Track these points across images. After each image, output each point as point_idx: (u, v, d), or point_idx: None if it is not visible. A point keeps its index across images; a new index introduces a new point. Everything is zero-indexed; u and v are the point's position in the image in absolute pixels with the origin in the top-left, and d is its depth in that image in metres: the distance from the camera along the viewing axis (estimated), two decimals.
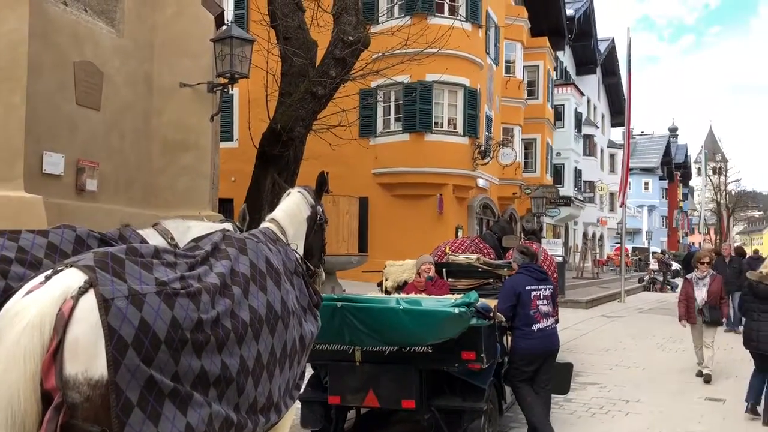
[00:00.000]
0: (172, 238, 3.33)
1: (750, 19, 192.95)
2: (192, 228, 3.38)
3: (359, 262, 14.58)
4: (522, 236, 12.56)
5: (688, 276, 9.26)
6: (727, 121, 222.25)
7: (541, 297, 5.81)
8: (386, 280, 7.52)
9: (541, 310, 5.75)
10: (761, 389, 6.85)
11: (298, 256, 3.36)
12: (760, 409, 6.82)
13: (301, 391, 4.21)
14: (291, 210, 3.57)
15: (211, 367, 2.43)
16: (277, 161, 10.72)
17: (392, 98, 19.24)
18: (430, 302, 5.13)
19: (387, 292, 7.27)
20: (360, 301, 5.09)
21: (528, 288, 5.76)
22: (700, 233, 44.45)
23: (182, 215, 5.57)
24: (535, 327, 5.67)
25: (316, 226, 3.71)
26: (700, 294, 8.71)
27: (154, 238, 3.35)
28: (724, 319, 9.70)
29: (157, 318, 2.24)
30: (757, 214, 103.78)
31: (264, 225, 3.42)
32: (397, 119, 19.32)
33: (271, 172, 10.45)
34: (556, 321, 6.41)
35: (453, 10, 18.75)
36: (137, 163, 8.43)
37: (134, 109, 8.36)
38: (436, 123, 19.11)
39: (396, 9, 17.65)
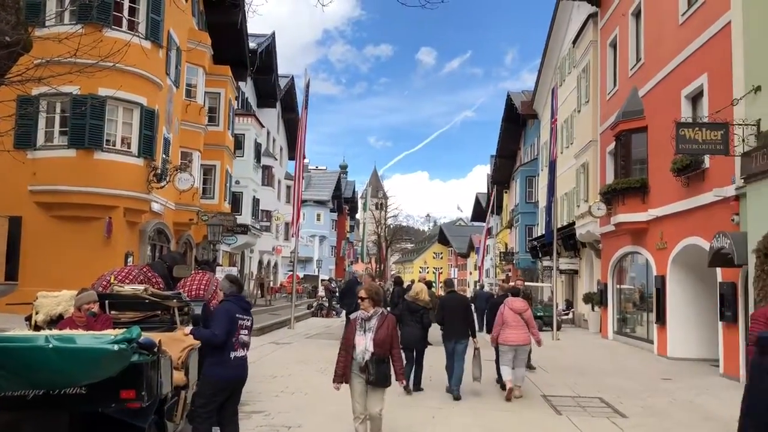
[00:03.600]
0: None
1: (410, 75, 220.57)
2: None
3: (6, 292, 12.82)
4: (195, 266, 12.37)
5: (352, 316, 6.59)
6: (389, 161, 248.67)
7: (244, 327, 5.89)
8: (37, 313, 6.73)
9: (242, 339, 5.83)
10: (411, 371, 10.21)
11: None
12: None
13: None
14: None
15: None
16: None
17: (57, 110, 17.50)
18: (85, 339, 4.71)
19: (37, 328, 6.50)
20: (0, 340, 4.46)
21: (237, 316, 5.80)
22: (363, 262, 48.69)
23: None
24: (232, 355, 5.67)
25: None
26: (362, 341, 6.22)
27: None
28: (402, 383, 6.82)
29: None
30: (409, 246, 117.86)
31: None
32: (62, 133, 17.60)
33: None
34: None
35: (132, 26, 17.88)
36: None
37: None
38: (108, 141, 17.87)
39: (67, 15, 16.18)
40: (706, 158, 14.19)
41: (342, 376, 6.24)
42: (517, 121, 44.64)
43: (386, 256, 76.42)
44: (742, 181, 12.19)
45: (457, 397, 9.93)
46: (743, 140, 11.99)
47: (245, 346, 5.89)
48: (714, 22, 14.18)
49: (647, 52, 18.63)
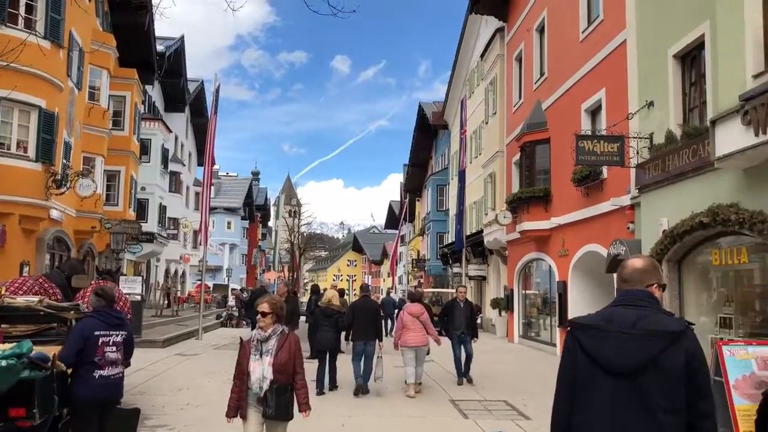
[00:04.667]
0: None
1: (325, 82, 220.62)
2: None
3: None
4: (96, 275, 11.86)
5: (245, 337, 5.37)
6: (303, 169, 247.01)
7: (111, 344, 5.50)
8: None
9: (108, 357, 5.44)
10: (325, 373, 11.10)
11: None
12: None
13: None
14: None
15: None
16: None
17: None
18: None
19: None
20: None
21: (97, 333, 5.44)
22: (275, 270, 48.06)
23: None
24: (97, 374, 5.35)
25: None
26: (259, 367, 5.06)
27: None
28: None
29: None
30: (323, 253, 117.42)
31: None
32: None
33: None
34: (127, 366, 6.13)
35: (29, 24, 17.00)
36: None
37: None
38: (2, 144, 16.90)
39: None
40: (604, 169, 14.92)
41: (235, 408, 5.14)
42: (428, 130, 45.45)
43: (299, 264, 75.79)
44: (637, 191, 12.90)
45: (364, 390, 10.92)
46: (638, 152, 12.69)
47: (114, 363, 5.52)
48: (611, 39, 14.96)
49: (550, 67, 19.43)
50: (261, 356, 5.07)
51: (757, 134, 8.26)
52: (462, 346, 12.73)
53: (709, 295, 11.10)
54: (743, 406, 7.28)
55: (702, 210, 10.13)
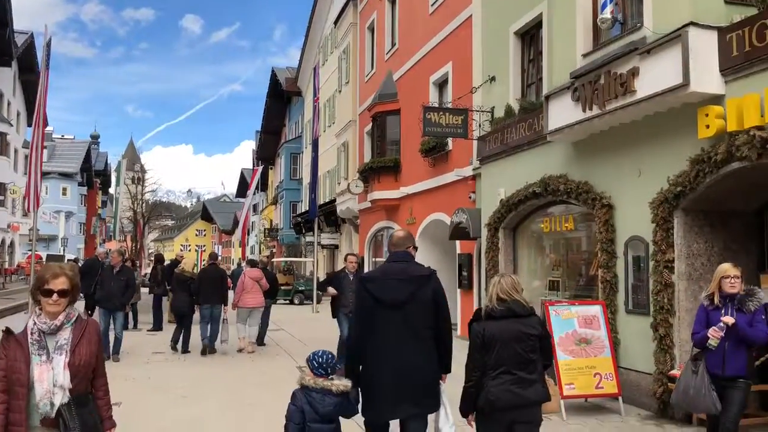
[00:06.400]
0: None
1: (173, 42, 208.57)
2: None
3: None
4: None
5: (17, 329, 3.48)
6: (149, 133, 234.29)
7: None
8: None
9: None
10: (179, 338, 12.19)
11: None
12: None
13: None
14: None
15: None
16: None
17: None
18: None
19: None
20: None
21: None
22: (116, 240, 45.44)
23: None
24: None
25: None
26: (48, 373, 3.31)
27: None
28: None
29: None
30: (170, 223, 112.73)
31: None
32: None
33: None
34: None
35: None
36: None
37: None
38: None
39: None
40: (450, 141, 15.44)
41: None
42: (282, 97, 44.73)
43: (144, 233, 72.23)
44: (478, 162, 13.48)
45: (211, 350, 11.98)
46: (480, 125, 13.24)
47: None
48: (458, 14, 15.39)
49: (401, 38, 19.70)
50: (49, 356, 3.36)
51: (584, 110, 8.87)
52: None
53: (542, 260, 11.89)
54: (565, 361, 7.94)
55: (535, 180, 10.77)
